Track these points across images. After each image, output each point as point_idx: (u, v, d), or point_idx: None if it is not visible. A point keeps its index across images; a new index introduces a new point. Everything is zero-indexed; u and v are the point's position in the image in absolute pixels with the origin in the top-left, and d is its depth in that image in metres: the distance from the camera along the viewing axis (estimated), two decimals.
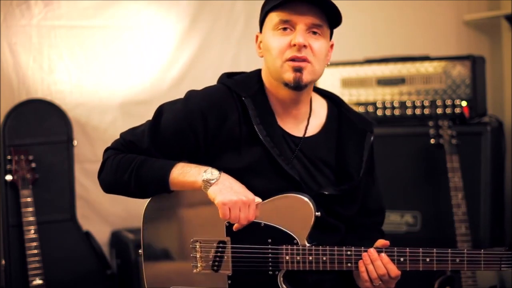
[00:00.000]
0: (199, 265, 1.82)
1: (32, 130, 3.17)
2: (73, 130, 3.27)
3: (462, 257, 1.73)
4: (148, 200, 1.87)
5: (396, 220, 3.23)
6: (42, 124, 3.20)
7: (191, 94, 1.86)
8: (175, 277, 1.85)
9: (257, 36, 1.87)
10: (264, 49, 1.82)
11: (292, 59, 1.74)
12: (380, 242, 1.78)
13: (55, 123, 3.23)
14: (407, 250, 1.74)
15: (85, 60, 3.45)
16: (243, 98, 1.82)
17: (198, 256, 1.82)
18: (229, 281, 1.80)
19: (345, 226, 1.91)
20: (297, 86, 1.76)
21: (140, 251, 1.88)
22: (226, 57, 3.72)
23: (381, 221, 2.04)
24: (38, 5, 3.32)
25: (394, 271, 1.74)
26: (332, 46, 1.87)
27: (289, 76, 1.75)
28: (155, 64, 3.60)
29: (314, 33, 1.76)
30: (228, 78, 1.88)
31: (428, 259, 1.74)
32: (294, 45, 1.73)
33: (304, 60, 1.75)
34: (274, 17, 1.77)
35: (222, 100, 1.82)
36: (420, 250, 1.74)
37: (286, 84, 1.77)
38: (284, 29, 1.76)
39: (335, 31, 1.86)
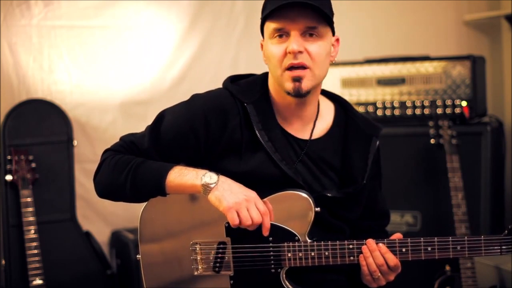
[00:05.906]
0: (200, 267, 1.81)
1: (32, 130, 3.17)
2: (73, 130, 3.27)
3: (463, 244, 1.74)
4: (144, 204, 1.85)
5: (396, 220, 3.23)
6: (42, 124, 3.20)
7: (194, 97, 1.86)
8: (176, 280, 1.84)
9: (261, 44, 1.86)
10: (266, 57, 1.82)
11: (290, 68, 1.73)
12: (396, 235, 1.80)
13: (55, 123, 3.22)
14: (409, 240, 1.76)
15: (85, 60, 3.44)
16: (245, 105, 1.81)
17: (198, 258, 1.81)
18: (231, 281, 1.80)
19: (349, 227, 1.92)
20: (298, 95, 1.76)
21: (138, 256, 1.86)
22: (226, 57, 3.72)
23: (386, 223, 2.06)
24: (38, 5, 3.32)
25: (393, 260, 1.75)
26: (337, 40, 1.85)
27: (289, 85, 1.74)
28: (155, 64, 3.60)
29: (311, 35, 1.74)
30: (231, 83, 1.87)
31: (429, 248, 1.75)
32: (290, 52, 1.72)
33: (302, 66, 1.73)
34: (269, 26, 1.76)
35: (224, 104, 1.81)
36: (422, 239, 1.75)
37: (288, 93, 1.77)
38: (280, 36, 1.75)
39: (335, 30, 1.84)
